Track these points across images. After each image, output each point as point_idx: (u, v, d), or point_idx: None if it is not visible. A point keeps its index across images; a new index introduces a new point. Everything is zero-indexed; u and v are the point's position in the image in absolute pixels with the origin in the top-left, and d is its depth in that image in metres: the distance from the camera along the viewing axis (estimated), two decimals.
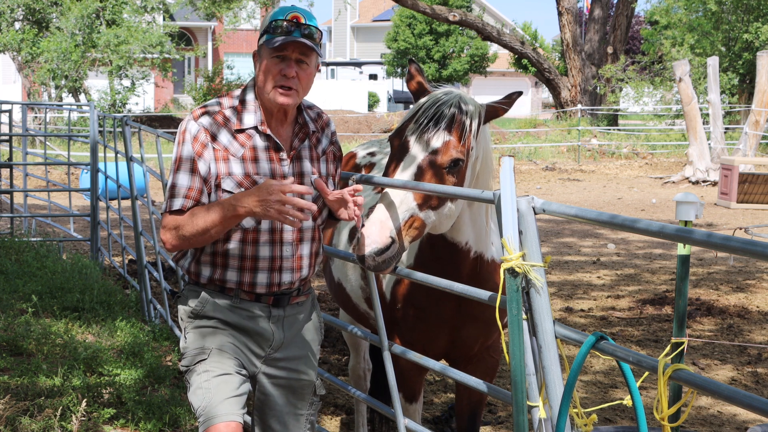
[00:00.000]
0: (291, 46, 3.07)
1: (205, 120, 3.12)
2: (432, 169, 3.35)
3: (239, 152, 3.12)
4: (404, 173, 3.35)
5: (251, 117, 3.16)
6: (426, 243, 3.71)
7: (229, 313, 3.20)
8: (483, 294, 3.10)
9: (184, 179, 3.08)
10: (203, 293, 3.20)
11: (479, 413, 4.09)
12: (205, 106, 3.17)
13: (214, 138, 3.10)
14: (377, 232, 3.21)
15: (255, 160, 3.14)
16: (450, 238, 3.59)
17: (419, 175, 3.34)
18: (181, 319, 3.28)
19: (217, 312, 3.19)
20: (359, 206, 3.25)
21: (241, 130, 3.14)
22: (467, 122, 3.39)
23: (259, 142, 3.15)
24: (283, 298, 3.25)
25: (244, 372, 3.21)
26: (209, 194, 3.11)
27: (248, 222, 3.14)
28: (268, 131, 3.16)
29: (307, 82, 3.15)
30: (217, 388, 3.11)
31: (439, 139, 3.35)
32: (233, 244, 3.16)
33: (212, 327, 3.20)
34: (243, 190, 3.09)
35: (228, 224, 3.05)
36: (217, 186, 3.10)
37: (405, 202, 3.30)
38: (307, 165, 3.25)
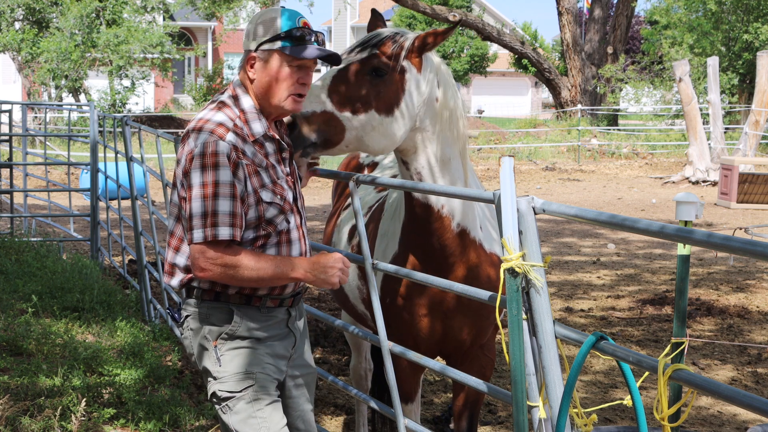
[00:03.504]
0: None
1: (232, 137, 3.01)
2: (350, 71, 3.43)
3: (263, 162, 3.10)
4: (322, 75, 3.46)
5: (258, 125, 3.12)
6: (407, 222, 3.73)
7: (261, 324, 3.15)
8: (483, 293, 3.10)
9: (226, 205, 2.97)
10: (234, 310, 3.12)
11: (476, 413, 4.09)
12: (221, 123, 3.04)
13: (243, 154, 3.03)
14: None
15: (273, 166, 3.13)
16: (423, 198, 3.60)
17: (337, 78, 3.42)
18: (205, 339, 3.15)
19: (250, 328, 3.13)
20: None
21: (255, 140, 3.10)
22: (398, 41, 3.49)
23: (269, 147, 3.15)
24: (298, 297, 3.28)
25: (278, 391, 3.22)
26: (246, 214, 3.04)
27: (282, 224, 3.13)
28: (276, 135, 3.17)
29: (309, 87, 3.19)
30: (270, 417, 3.11)
31: (365, 52, 3.47)
32: (270, 250, 3.13)
33: (249, 348, 3.13)
34: (279, 197, 3.09)
35: (284, 282, 3.11)
36: (258, 201, 3.06)
37: (314, 91, 3.38)
38: (293, 160, 3.30)
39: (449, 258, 3.68)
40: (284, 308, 3.22)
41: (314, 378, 3.43)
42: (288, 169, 3.22)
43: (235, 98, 3.14)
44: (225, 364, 3.13)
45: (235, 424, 3.12)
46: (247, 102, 3.13)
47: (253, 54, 3.11)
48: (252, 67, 3.11)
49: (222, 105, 3.12)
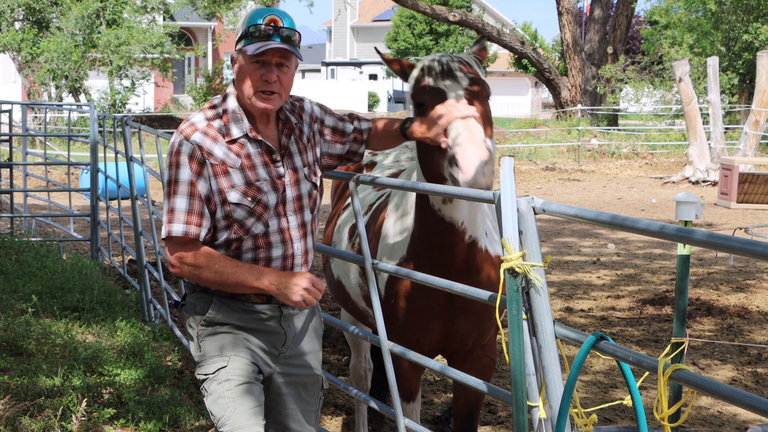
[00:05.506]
0: (271, 51, 3.08)
1: (198, 137, 3.09)
2: (475, 98, 3.45)
3: (237, 163, 3.11)
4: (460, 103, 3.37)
5: (239, 125, 3.14)
6: (417, 232, 3.73)
7: (242, 317, 3.18)
8: (483, 294, 3.10)
9: (182, 203, 3.06)
10: (214, 300, 3.18)
11: (476, 413, 4.10)
12: (193, 124, 3.13)
13: (210, 153, 3.08)
14: (476, 146, 3.20)
15: (252, 167, 3.13)
16: (449, 217, 3.59)
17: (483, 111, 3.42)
18: (190, 327, 3.24)
19: (230, 317, 3.18)
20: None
21: (234, 140, 3.13)
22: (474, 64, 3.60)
23: (252, 148, 3.15)
24: None
25: (260, 377, 3.21)
26: (214, 213, 3.10)
27: (257, 227, 3.14)
28: (260, 137, 3.16)
29: (288, 84, 3.16)
30: (240, 398, 3.11)
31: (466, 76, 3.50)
32: (247, 253, 3.16)
33: (227, 333, 3.18)
34: (249, 199, 3.10)
35: (247, 290, 3.10)
36: (224, 201, 3.09)
37: (478, 128, 3.28)
38: (297, 160, 3.27)
39: (457, 265, 3.67)
40: (274, 305, 3.21)
41: (315, 380, 3.39)
42: (281, 171, 3.19)
43: (224, 99, 3.20)
44: (204, 348, 3.19)
45: (209, 406, 3.16)
46: (232, 103, 3.18)
47: (233, 55, 3.20)
48: (234, 67, 3.19)
49: (208, 106, 3.20)
